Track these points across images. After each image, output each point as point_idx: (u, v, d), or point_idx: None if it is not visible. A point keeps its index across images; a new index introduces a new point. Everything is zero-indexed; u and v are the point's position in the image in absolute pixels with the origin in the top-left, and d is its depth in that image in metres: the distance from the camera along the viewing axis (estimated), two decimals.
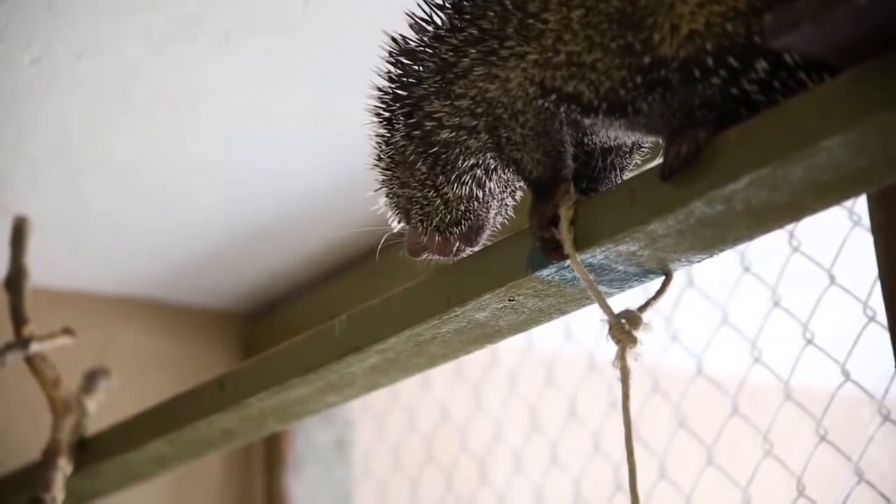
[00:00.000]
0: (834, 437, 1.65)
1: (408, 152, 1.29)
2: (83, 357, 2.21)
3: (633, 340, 1.19)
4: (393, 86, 1.30)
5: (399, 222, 1.35)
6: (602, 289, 1.22)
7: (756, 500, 1.74)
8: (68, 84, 1.85)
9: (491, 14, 1.20)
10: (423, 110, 1.27)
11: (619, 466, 2.04)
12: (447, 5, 1.26)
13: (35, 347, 1.97)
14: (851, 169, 1.01)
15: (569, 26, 1.15)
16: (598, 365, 2.21)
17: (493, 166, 1.27)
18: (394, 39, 1.30)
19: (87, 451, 1.93)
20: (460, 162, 1.26)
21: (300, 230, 2.33)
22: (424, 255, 1.35)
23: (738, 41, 1.07)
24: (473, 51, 1.22)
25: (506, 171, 1.27)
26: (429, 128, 1.26)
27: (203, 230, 2.32)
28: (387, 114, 1.31)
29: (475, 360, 2.33)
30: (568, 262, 1.18)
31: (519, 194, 1.35)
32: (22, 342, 1.96)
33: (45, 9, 1.67)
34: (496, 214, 1.34)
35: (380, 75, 1.31)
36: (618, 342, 1.20)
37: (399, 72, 1.30)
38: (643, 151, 1.30)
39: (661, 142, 1.17)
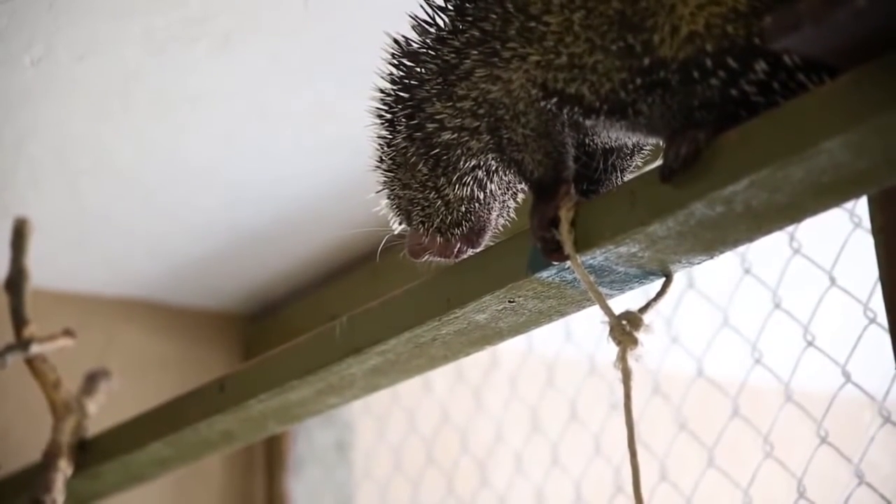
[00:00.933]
0: (834, 438, 1.65)
1: (409, 154, 1.29)
2: (84, 358, 2.21)
3: (634, 342, 1.19)
4: (394, 87, 1.30)
5: (400, 224, 1.35)
6: (602, 290, 1.22)
7: (757, 501, 1.74)
8: (69, 85, 1.85)
9: (493, 16, 1.21)
10: (425, 112, 1.27)
11: (620, 468, 2.04)
12: (449, 7, 1.26)
13: (35, 349, 1.97)
14: (852, 170, 1.01)
15: (570, 28, 1.15)
16: (599, 367, 2.21)
17: (494, 167, 1.27)
18: (395, 41, 1.30)
19: (88, 452, 1.93)
20: (461, 163, 1.26)
21: (301, 232, 2.33)
22: (425, 257, 1.35)
23: (737, 42, 1.07)
24: (475, 52, 1.22)
25: (507, 172, 1.27)
26: (430, 129, 1.26)
27: (204, 231, 2.32)
28: (388, 116, 1.31)
29: (476, 362, 2.33)
30: (568, 263, 1.18)
31: (520, 196, 1.35)
32: (22, 344, 1.96)
33: (45, 10, 1.67)
34: (497, 216, 1.34)
35: (381, 77, 1.31)
36: (618, 344, 1.20)
37: (401, 73, 1.30)
38: (644, 153, 1.31)
39: (661, 143, 1.17)
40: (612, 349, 1.21)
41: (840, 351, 1.65)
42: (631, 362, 1.19)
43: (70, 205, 2.18)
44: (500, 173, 1.28)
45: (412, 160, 1.29)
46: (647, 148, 1.30)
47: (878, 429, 1.61)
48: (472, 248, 1.34)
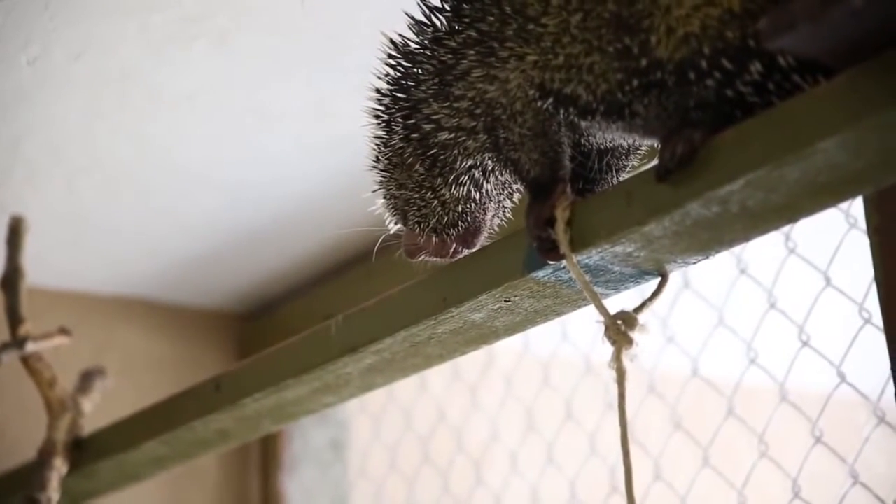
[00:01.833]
0: (829, 438, 1.65)
1: (406, 154, 1.30)
2: (79, 357, 2.21)
3: (629, 342, 1.20)
4: (391, 88, 1.30)
5: (396, 223, 1.35)
6: (598, 290, 1.22)
7: (751, 501, 1.74)
8: (66, 84, 1.85)
9: (490, 18, 1.21)
10: (422, 112, 1.27)
11: (615, 467, 2.04)
12: (446, 8, 1.26)
13: (31, 347, 1.97)
14: (848, 170, 1.01)
15: (567, 30, 1.15)
16: (595, 366, 2.21)
17: (490, 167, 1.27)
18: (392, 41, 1.30)
19: (83, 450, 1.93)
20: (458, 163, 1.27)
21: (297, 231, 2.33)
22: (421, 256, 1.36)
23: (732, 43, 1.08)
24: (472, 52, 1.22)
25: (503, 171, 1.28)
26: (427, 130, 1.27)
27: (200, 230, 2.32)
28: (385, 116, 1.31)
29: (472, 361, 2.33)
30: (564, 262, 1.19)
31: (516, 196, 1.35)
32: (18, 342, 1.96)
33: (42, 9, 1.67)
34: (493, 216, 1.35)
35: (378, 77, 1.31)
36: (614, 343, 1.20)
37: (397, 74, 1.30)
38: (640, 153, 1.31)
39: (657, 144, 1.17)
40: (608, 349, 1.21)
41: (835, 351, 1.65)
42: (626, 362, 1.19)
43: (66, 203, 2.18)
44: (497, 173, 1.28)
45: (409, 160, 1.29)
46: (644, 147, 1.30)
47: (873, 429, 1.61)
48: (468, 248, 1.34)
